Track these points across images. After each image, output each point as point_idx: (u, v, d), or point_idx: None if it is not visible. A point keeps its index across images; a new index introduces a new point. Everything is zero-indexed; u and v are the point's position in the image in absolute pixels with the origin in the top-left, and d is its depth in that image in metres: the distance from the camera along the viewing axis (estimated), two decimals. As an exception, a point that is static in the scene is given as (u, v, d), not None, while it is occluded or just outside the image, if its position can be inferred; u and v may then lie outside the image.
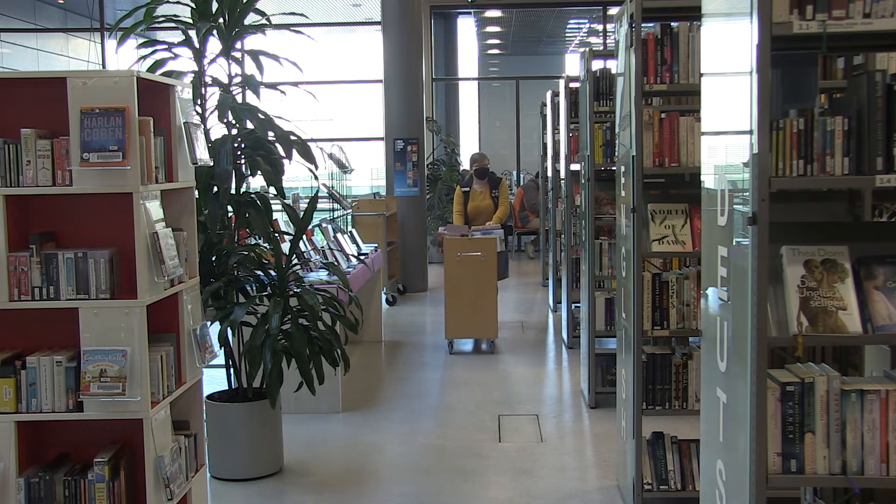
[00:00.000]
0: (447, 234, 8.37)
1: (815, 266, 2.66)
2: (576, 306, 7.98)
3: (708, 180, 3.13)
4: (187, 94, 4.20)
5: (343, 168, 11.48)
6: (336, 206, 10.50)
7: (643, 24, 4.38)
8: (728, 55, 2.85)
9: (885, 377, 2.71)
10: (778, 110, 2.89)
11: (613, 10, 15.43)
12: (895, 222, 3.90)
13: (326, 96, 15.78)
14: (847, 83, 3.67)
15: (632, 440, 4.43)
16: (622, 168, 4.69)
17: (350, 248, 8.24)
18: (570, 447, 5.66)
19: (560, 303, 9.19)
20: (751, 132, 2.58)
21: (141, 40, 5.15)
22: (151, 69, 4.91)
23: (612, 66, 6.25)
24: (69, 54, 17.00)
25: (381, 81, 11.84)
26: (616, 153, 5.20)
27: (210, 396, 5.14)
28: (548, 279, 11.10)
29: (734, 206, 2.78)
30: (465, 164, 17.13)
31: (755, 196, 2.56)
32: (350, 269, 7.43)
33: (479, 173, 9.68)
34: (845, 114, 2.59)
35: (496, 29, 21.44)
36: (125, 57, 15.84)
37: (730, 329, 2.84)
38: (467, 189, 9.64)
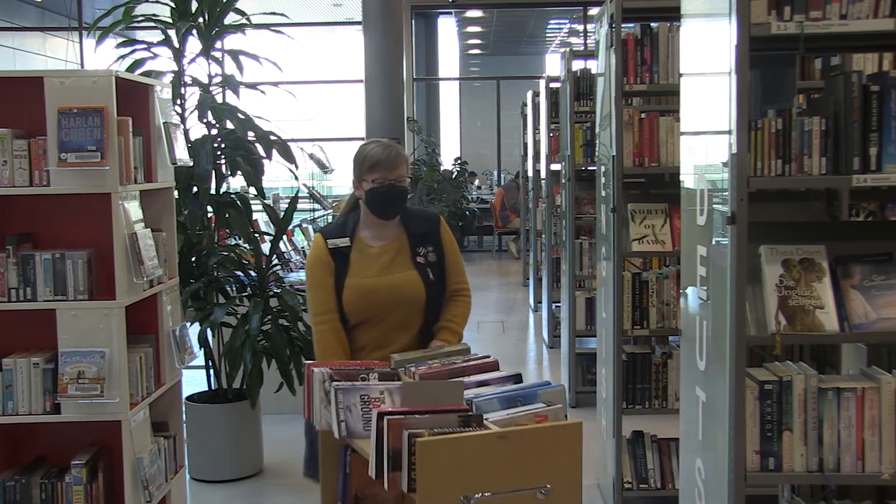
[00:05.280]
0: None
1: (793, 265, 2.68)
2: (556, 306, 8.00)
3: (687, 180, 3.15)
4: (167, 93, 4.18)
5: (324, 168, 11.44)
6: (317, 206, 10.47)
7: (623, 25, 4.39)
8: (707, 55, 2.86)
9: (862, 375, 2.73)
10: (757, 110, 2.91)
11: (594, 11, 15.48)
12: (872, 221, 3.93)
13: (307, 96, 15.76)
14: (824, 84, 3.70)
15: (612, 439, 4.44)
16: (602, 168, 4.70)
17: (331, 249, 8.20)
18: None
19: (541, 302, 9.21)
20: (729, 132, 2.59)
21: (120, 40, 5.12)
22: (130, 69, 4.89)
23: (593, 66, 6.28)
24: (47, 53, 16.88)
25: (361, 81, 11.82)
26: (596, 153, 5.22)
27: (190, 397, 5.12)
28: (528, 279, 11.12)
29: (713, 206, 2.79)
30: (447, 164, 17.14)
31: (734, 195, 2.58)
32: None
33: (375, 201, 3.26)
34: (823, 114, 2.61)
35: (477, 29, 21.48)
36: (104, 56, 15.72)
37: (709, 328, 2.85)
38: (345, 245, 3.29)
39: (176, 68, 5.03)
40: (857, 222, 3.84)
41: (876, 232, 3.10)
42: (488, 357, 2.79)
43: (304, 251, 7.36)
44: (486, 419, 2.31)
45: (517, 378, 2.47)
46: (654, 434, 4.49)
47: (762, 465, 2.65)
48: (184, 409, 4.35)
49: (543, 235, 8.76)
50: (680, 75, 3.29)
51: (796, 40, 2.57)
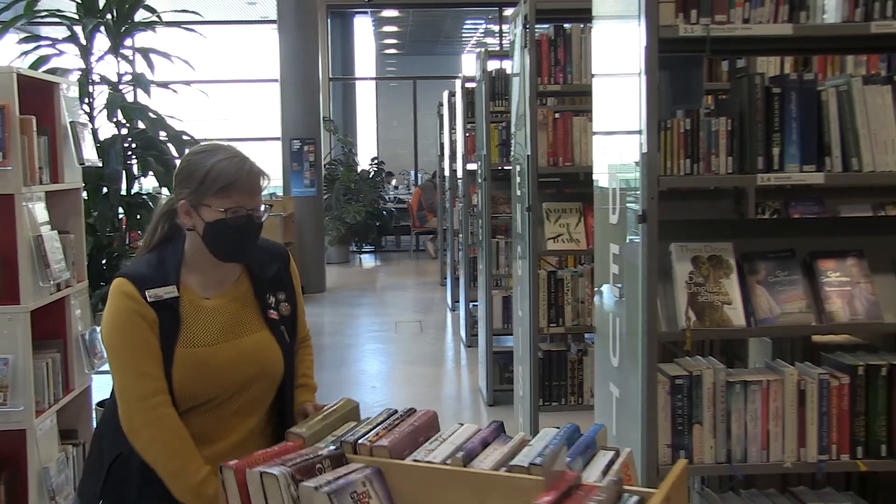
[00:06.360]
0: None
1: (702, 262, 2.75)
2: (474, 305, 8.04)
3: (600, 179, 3.20)
4: (73, 92, 4.07)
5: (238, 168, 11.28)
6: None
7: (537, 26, 4.44)
8: (618, 57, 2.91)
9: (767, 368, 2.81)
10: (667, 111, 2.97)
11: (509, 12, 15.62)
12: (776, 219, 4.05)
13: (221, 95, 15.51)
14: (730, 85, 3.80)
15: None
16: (518, 167, 4.75)
17: (246, 250, 8.10)
18: (469, 445, 5.69)
19: (458, 302, 9.25)
20: (640, 132, 2.64)
21: (22, 35, 4.96)
22: (34, 66, 4.74)
23: (508, 66, 6.33)
24: (-54, 49, 16.23)
25: (277, 81, 11.70)
26: (512, 153, 5.27)
27: (101, 403, 4.98)
28: (446, 278, 11.15)
29: (626, 205, 2.84)
30: (364, 164, 17.09)
31: (645, 194, 2.63)
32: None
33: (223, 238, 2.22)
34: (728, 115, 2.68)
35: (393, 28, 21.46)
36: (5, 52, 15.20)
37: (622, 325, 2.90)
38: (171, 296, 2.21)
39: (83, 66, 4.89)
40: (763, 220, 3.96)
41: (780, 229, 3.20)
42: (415, 409, 2.08)
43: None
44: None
45: (502, 427, 2.02)
46: (570, 430, 4.55)
47: (674, 458, 2.71)
48: (94, 415, 4.24)
49: (460, 235, 8.81)
50: (592, 76, 3.35)
51: (703, 42, 2.63)
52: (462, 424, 2.00)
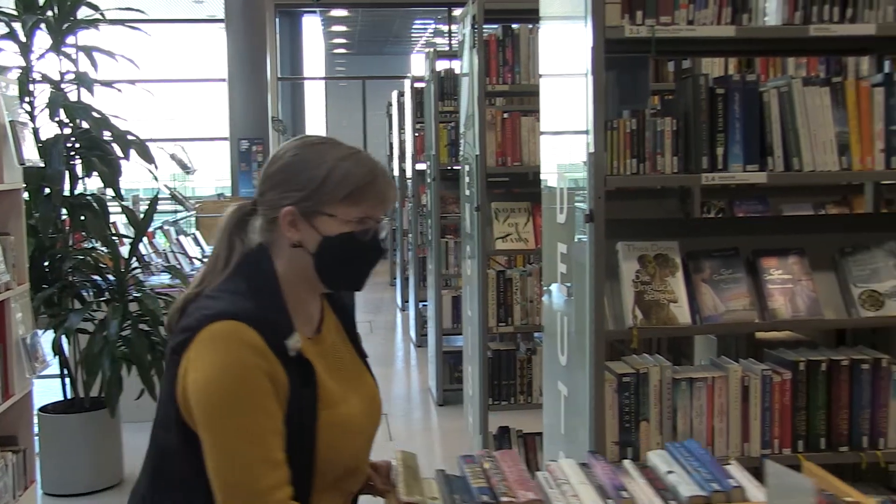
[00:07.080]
0: None
1: (648, 261, 2.77)
2: (423, 305, 8.04)
3: (548, 179, 3.21)
4: (13, 90, 3.99)
5: (185, 169, 11.14)
6: (179, 207, 10.18)
7: (485, 26, 4.46)
8: (565, 57, 2.93)
9: (712, 365, 2.85)
10: (614, 111, 2.99)
11: (457, 12, 15.62)
12: (721, 218, 4.11)
13: (167, 95, 15.29)
14: (676, 86, 3.85)
15: (479, 436, 4.49)
16: (467, 167, 4.76)
17: (194, 251, 8.02)
18: (418, 445, 5.69)
19: (408, 301, 9.24)
20: (587, 132, 2.66)
21: (-42, 32, 4.84)
22: (-29, 63, 4.63)
23: (457, 66, 6.34)
24: None
25: (224, 80, 11.58)
26: (461, 152, 5.27)
27: (43, 408, 4.89)
28: (395, 278, 11.13)
29: (574, 204, 2.86)
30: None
31: (592, 194, 2.65)
32: (193, 272, 7.23)
33: (351, 257, 1.74)
34: (674, 115, 2.71)
35: (342, 28, 21.38)
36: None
37: (570, 324, 2.92)
38: (297, 345, 1.63)
39: (23, 64, 4.79)
40: (708, 219, 4.01)
41: (724, 228, 3.24)
42: (491, 451, 1.87)
43: (165, 254, 7.13)
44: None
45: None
46: (519, 429, 4.58)
47: (621, 455, 2.73)
48: (36, 420, 4.15)
49: (409, 235, 8.80)
50: (540, 76, 3.36)
51: (648, 43, 2.66)
52: (554, 461, 1.79)
